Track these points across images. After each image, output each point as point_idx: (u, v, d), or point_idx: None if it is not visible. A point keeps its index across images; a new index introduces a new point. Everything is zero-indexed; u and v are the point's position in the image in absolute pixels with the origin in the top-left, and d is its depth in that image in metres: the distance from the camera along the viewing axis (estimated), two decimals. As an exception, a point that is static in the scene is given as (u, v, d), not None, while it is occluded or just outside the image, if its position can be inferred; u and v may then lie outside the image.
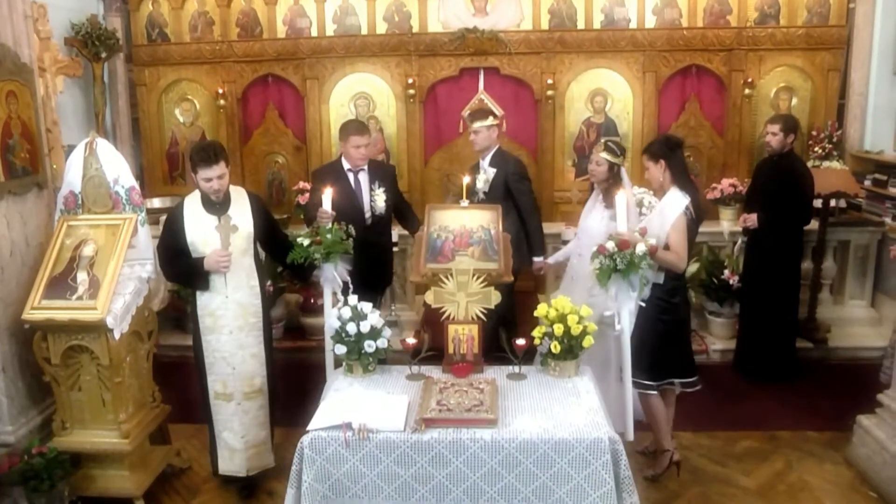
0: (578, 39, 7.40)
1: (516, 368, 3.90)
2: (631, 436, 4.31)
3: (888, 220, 6.79)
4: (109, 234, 4.48)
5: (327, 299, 4.63)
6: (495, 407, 3.43)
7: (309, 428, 3.38)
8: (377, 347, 3.89)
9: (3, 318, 4.47)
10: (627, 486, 3.34)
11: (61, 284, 4.32)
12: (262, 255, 4.81)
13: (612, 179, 4.81)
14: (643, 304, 4.22)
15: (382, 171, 5.60)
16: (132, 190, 4.68)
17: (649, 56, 7.33)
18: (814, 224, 6.43)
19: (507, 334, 4.00)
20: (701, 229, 6.87)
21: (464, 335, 3.89)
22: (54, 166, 5.72)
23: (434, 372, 3.92)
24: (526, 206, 5.66)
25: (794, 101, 7.41)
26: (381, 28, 7.64)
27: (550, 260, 5.52)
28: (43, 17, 6.53)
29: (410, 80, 7.48)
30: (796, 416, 5.52)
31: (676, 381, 4.63)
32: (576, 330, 3.75)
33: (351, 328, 3.87)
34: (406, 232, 6.00)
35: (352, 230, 4.68)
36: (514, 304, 5.49)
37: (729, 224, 6.98)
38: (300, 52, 7.57)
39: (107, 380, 4.37)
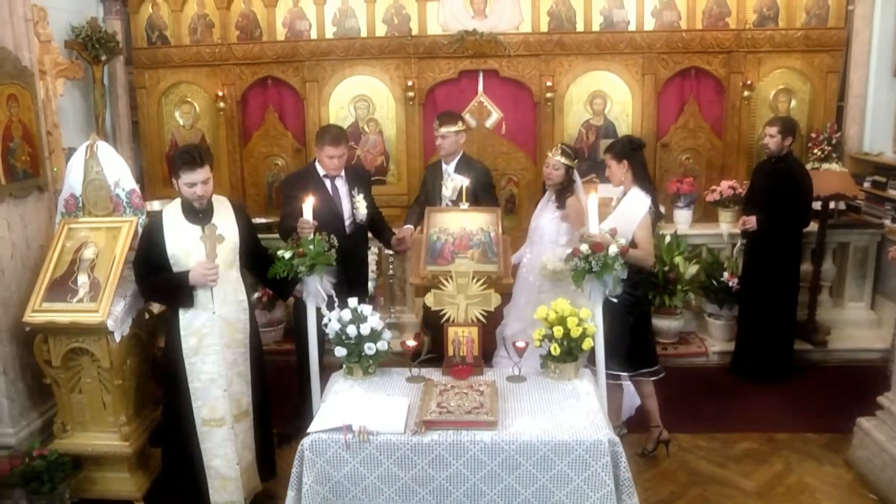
0: (577, 42, 7.41)
1: (516, 370, 3.90)
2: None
3: (888, 222, 6.79)
4: (110, 236, 4.49)
5: (311, 316, 4.36)
6: (495, 409, 3.43)
7: (309, 430, 3.39)
8: (377, 350, 3.89)
9: (4, 321, 4.48)
10: (627, 488, 3.35)
11: (62, 287, 4.34)
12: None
13: (567, 182, 5.22)
14: (614, 300, 4.30)
15: (360, 176, 5.42)
16: (133, 193, 4.71)
17: (648, 58, 7.34)
18: (813, 226, 6.45)
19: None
20: (700, 231, 7.09)
21: (464, 337, 3.90)
22: (55, 169, 5.72)
23: (434, 374, 3.93)
24: None
25: (793, 103, 7.42)
26: (381, 30, 7.65)
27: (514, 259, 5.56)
28: (43, 20, 6.53)
29: (410, 83, 7.49)
30: (796, 418, 5.52)
31: (645, 370, 4.88)
32: (575, 332, 3.76)
33: (351, 330, 3.87)
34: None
35: (334, 240, 4.36)
36: None
37: (728, 226, 6.97)
38: (300, 54, 7.58)
39: (107, 382, 4.39)
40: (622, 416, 5.15)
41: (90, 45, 7.37)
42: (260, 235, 4.59)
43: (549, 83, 7.41)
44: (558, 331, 3.77)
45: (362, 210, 5.19)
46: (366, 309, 3.98)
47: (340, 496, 3.36)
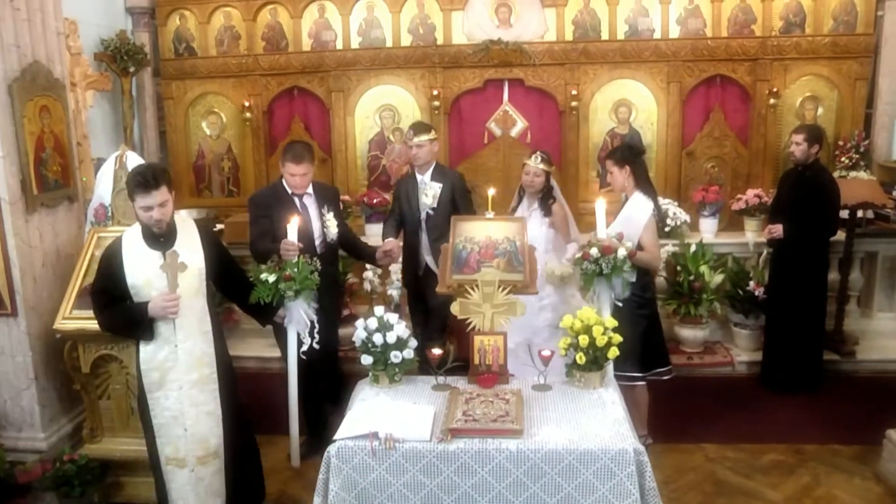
0: (602, 50, 7.41)
1: (541, 379, 3.90)
2: None
3: (917, 230, 6.72)
4: (139, 245, 4.52)
5: (292, 343, 4.29)
6: (521, 417, 3.43)
7: (335, 437, 3.41)
8: (403, 358, 3.89)
9: (35, 328, 4.56)
10: (652, 498, 3.34)
11: (92, 295, 4.38)
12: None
13: (547, 188, 5.29)
14: (619, 304, 4.39)
15: (328, 194, 5.21)
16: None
17: (673, 66, 7.33)
18: (840, 235, 6.37)
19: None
20: (726, 240, 6.99)
21: (489, 346, 3.90)
22: (84, 179, 5.81)
23: (460, 383, 3.93)
24: None
25: (820, 110, 7.37)
26: (406, 40, 7.69)
27: None
28: (74, 34, 6.65)
29: (435, 92, 7.53)
30: (824, 430, 5.45)
31: (659, 370, 4.97)
32: (601, 341, 3.75)
33: (377, 339, 3.88)
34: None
35: (317, 262, 4.28)
36: None
37: (753, 235, 6.92)
38: (325, 64, 7.65)
39: (135, 389, 4.42)
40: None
41: (119, 58, 7.49)
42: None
43: (573, 92, 7.42)
44: (584, 339, 3.76)
45: (333, 229, 5.02)
46: (392, 317, 3.98)
47: (366, 503, 3.36)
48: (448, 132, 7.70)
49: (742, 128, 7.46)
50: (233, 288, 4.21)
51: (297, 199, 4.93)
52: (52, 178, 4.68)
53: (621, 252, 4.14)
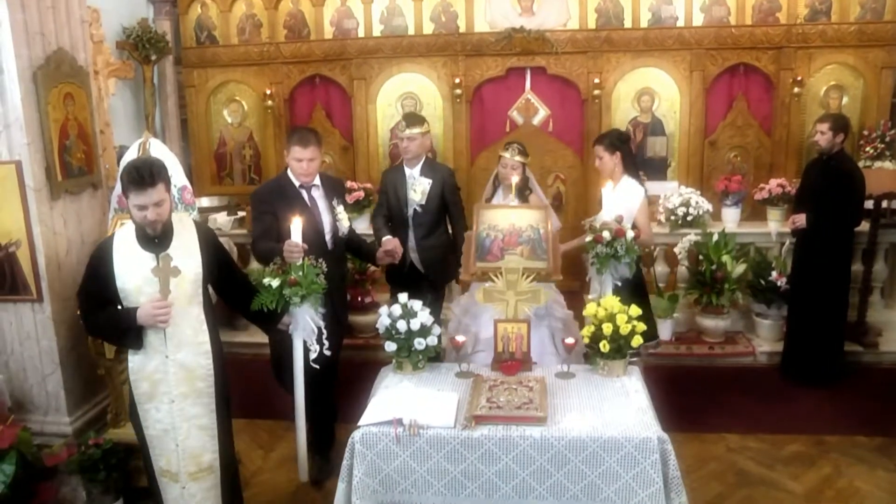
0: (625, 38, 7.39)
1: (565, 367, 3.90)
2: None
3: (942, 221, 6.63)
4: (162, 232, 4.53)
5: (298, 351, 4.02)
6: (545, 405, 3.43)
7: (360, 423, 3.42)
8: (427, 345, 3.90)
9: (60, 314, 4.59)
10: (676, 486, 3.33)
11: (116, 281, 4.39)
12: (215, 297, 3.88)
13: (524, 180, 5.23)
14: (619, 284, 4.53)
15: (336, 186, 4.90)
16: (184, 189, 4.78)
17: (696, 55, 7.28)
18: (864, 226, 6.30)
19: None
20: (748, 230, 6.98)
21: (513, 333, 3.91)
22: (107, 166, 5.85)
23: (483, 370, 3.94)
24: (461, 218, 5.44)
25: (845, 99, 7.31)
26: (428, 28, 7.70)
27: None
28: (96, 22, 6.69)
29: (457, 80, 7.52)
30: (846, 421, 5.42)
31: (649, 342, 4.97)
32: (625, 329, 3.75)
33: (401, 326, 3.88)
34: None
35: (322, 264, 3.96)
36: None
37: (776, 225, 6.86)
38: (347, 52, 7.65)
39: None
40: None
41: (141, 46, 7.53)
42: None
43: (596, 80, 7.40)
44: (607, 327, 3.76)
45: (345, 222, 4.67)
46: (416, 304, 3.99)
47: (390, 489, 3.38)
48: (470, 120, 7.70)
49: (765, 117, 7.41)
50: (235, 294, 3.92)
51: (304, 192, 4.57)
52: (76, 165, 4.69)
53: (630, 234, 4.36)
